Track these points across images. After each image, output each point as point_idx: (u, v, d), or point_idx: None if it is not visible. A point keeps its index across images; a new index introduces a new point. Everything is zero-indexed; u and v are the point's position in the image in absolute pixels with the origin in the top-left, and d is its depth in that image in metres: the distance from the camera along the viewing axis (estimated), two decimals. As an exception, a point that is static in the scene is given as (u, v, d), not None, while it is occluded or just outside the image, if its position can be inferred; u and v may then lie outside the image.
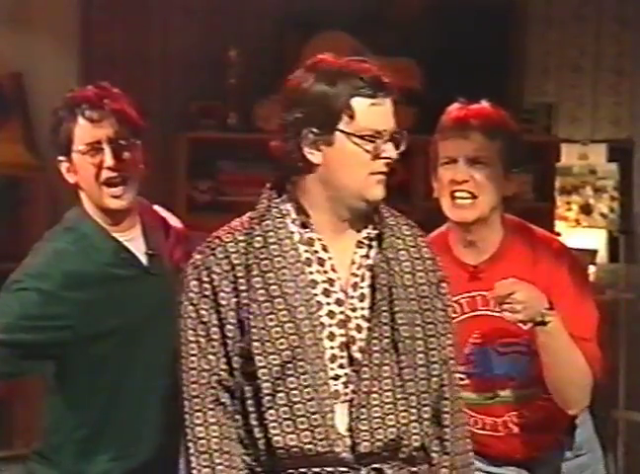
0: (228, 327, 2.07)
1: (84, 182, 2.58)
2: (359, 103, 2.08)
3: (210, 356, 2.08)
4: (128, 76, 4.56)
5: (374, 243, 2.17)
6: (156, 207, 2.79)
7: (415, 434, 2.11)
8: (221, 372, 2.08)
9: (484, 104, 2.65)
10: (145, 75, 4.86)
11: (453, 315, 2.62)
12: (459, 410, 2.22)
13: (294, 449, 2.04)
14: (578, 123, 5.50)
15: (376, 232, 2.17)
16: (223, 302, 2.08)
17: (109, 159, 2.54)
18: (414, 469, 2.14)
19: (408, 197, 5.12)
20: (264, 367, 2.04)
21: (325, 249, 2.13)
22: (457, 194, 2.58)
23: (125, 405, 2.59)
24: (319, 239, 2.12)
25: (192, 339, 2.09)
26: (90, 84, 2.65)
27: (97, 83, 2.64)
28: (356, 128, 2.08)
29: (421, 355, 2.13)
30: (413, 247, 2.19)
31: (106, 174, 2.55)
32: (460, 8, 5.31)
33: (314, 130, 2.08)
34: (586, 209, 5.36)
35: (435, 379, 2.15)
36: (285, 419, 2.04)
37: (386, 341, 2.11)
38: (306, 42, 4.92)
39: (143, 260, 2.63)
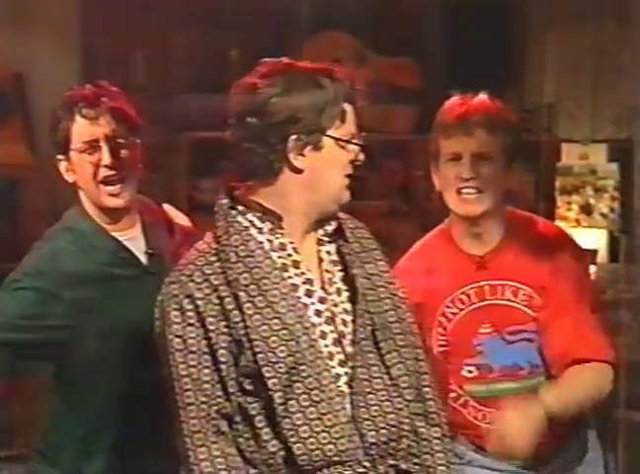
0: (221, 351, 2.05)
1: (82, 180, 2.59)
2: (347, 108, 2.11)
3: (206, 386, 2.05)
4: (129, 76, 4.58)
5: (333, 238, 2.18)
6: (165, 206, 2.79)
7: (405, 417, 2.13)
8: (219, 400, 2.05)
9: (482, 97, 2.66)
10: (145, 75, 4.87)
11: (461, 306, 2.64)
12: (435, 385, 2.25)
13: (316, 453, 2.03)
14: (578, 123, 5.50)
15: (333, 228, 2.18)
16: (212, 327, 2.04)
17: (106, 157, 2.54)
18: (417, 460, 2.15)
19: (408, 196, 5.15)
20: (273, 377, 2.03)
21: (296, 251, 2.13)
22: (464, 190, 2.59)
23: (125, 404, 2.59)
24: (290, 242, 2.12)
25: (184, 373, 2.05)
26: (90, 84, 2.66)
27: (96, 82, 2.65)
28: (342, 133, 2.10)
29: (390, 342, 2.15)
30: (362, 239, 2.23)
31: (103, 172, 2.55)
32: (460, 7, 5.32)
33: (302, 136, 2.08)
34: (586, 209, 5.36)
35: (409, 362, 2.17)
36: (301, 425, 2.03)
37: (369, 328, 2.13)
38: (306, 42, 4.94)
39: (143, 259, 2.63)
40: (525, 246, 2.65)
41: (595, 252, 5.19)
